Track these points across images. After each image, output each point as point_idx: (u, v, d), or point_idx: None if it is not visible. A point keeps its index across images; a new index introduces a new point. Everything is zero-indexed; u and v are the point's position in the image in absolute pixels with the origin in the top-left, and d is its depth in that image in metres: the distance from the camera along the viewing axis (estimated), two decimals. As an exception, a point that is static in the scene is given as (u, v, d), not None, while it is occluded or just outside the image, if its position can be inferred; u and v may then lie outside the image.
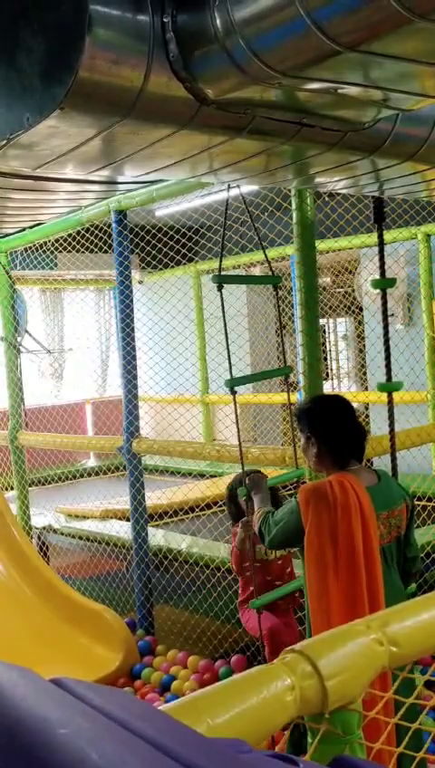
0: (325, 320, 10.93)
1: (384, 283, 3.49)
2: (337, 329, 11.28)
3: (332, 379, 11.09)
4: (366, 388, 8.41)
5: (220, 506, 5.33)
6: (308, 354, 3.57)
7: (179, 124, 1.57)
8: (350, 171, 2.21)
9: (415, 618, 1.40)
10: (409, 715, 1.47)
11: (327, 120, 1.68)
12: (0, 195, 2.32)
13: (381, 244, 3.49)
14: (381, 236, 3.45)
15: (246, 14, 1.30)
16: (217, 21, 1.34)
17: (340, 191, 2.80)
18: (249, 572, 3.14)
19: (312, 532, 2.30)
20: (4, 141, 1.53)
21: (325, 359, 11.11)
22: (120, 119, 1.49)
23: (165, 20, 1.39)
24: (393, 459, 3.53)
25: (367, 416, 7.94)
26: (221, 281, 3.06)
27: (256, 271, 8.16)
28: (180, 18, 1.40)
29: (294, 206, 3.43)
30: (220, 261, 3.17)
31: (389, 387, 3.54)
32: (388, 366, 3.57)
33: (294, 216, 3.47)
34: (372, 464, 6.42)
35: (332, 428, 2.46)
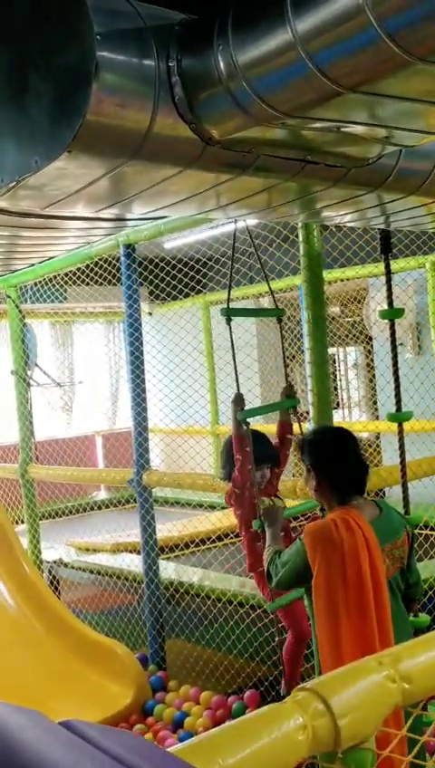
0: (335, 349, 10.95)
1: (392, 314, 3.51)
2: (347, 358, 11.29)
3: (342, 409, 11.07)
4: (377, 418, 8.38)
5: (231, 538, 5.31)
6: (317, 385, 3.58)
7: (186, 164, 1.60)
8: (356, 205, 2.24)
9: (428, 653, 1.39)
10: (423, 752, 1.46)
11: (331, 157, 1.71)
12: (10, 233, 2.35)
13: (389, 274, 3.51)
14: (388, 267, 3.47)
15: (249, 58, 1.33)
16: (221, 64, 1.37)
17: (346, 224, 2.83)
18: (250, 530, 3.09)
19: (320, 575, 2.27)
20: (14, 183, 1.56)
21: (335, 388, 11.12)
22: (127, 159, 1.52)
23: (170, 64, 1.43)
24: (405, 490, 3.51)
25: (378, 445, 7.91)
26: (230, 314, 3.09)
27: (265, 302, 8.20)
28: (185, 62, 1.43)
29: (301, 239, 3.47)
30: (229, 294, 3.19)
31: (399, 417, 3.54)
32: (398, 396, 3.58)
33: (302, 248, 3.50)
34: (383, 494, 6.39)
35: (332, 463, 2.46)
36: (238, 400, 3.13)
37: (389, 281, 3.51)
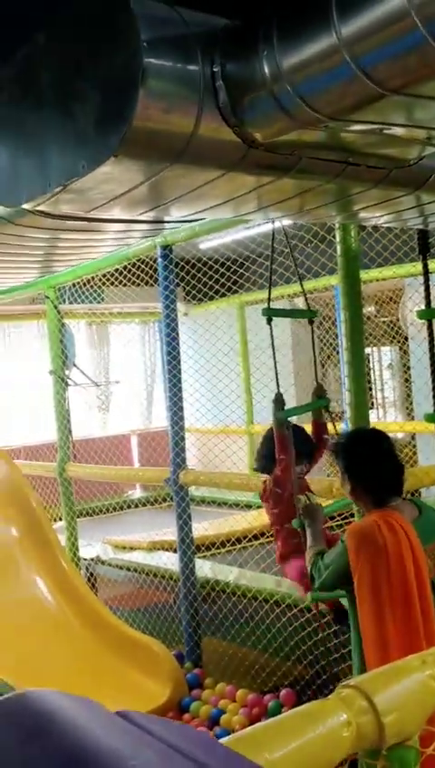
0: (370, 349, 10.89)
1: (430, 314, 3.49)
2: (382, 358, 11.22)
3: (377, 409, 11.01)
4: (412, 418, 8.32)
5: (268, 537, 5.32)
6: (354, 385, 3.58)
7: (228, 167, 1.62)
8: (393, 206, 2.24)
9: (470, 652, 1.39)
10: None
11: (372, 159, 1.72)
12: (50, 236, 2.40)
13: (426, 274, 3.50)
14: (425, 267, 3.46)
15: (294, 62, 1.35)
16: (266, 69, 1.39)
17: (384, 225, 2.83)
18: (286, 525, 3.09)
19: (364, 577, 2.28)
20: (60, 188, 1.60)
21: (370, 388, 11.06)
22: (171, 163, 1.55)
23: (214, 69, 1.45)
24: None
25: (414, 445, 7.85)
26: (271, 314, 3.10)
27: (300, 302, 8.19)
28: (229, 67, 1.45)
29: (338, 239, 3.46)
30: (269, 294, 3.21)
31: (436, 417, 3.52)
32: (435, 396, 3.56)
33: (339, 248, 3.50)
34: (420, 494, 6.34)
35: (366, 467, 2.47)
36: (279, 401, 3.14)
37: (427, 280, 3.50)
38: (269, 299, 3.20)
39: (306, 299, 3.60)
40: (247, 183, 1.76)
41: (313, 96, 1.37)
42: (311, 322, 3.49)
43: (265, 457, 3.25)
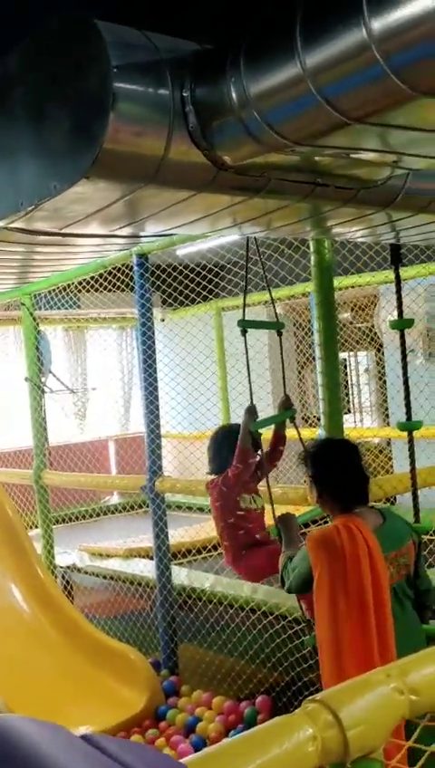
0: (347, 354, 10.97)
1: (402, 324, 3.54)
2: (358, 363, 11.29)
3: (353, 414, 11.07)
4: (388, 424, 8.40)
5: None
6: (327, 393, 3.62)
7: (199, 188, 1.65)
8: (366, 223, 2.28)
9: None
10: (430, 764, 1.49)
11: (341, 180, 1.75)
12: (25, 249, 2.41)
13: (399, 285, 3.55)
14: (398, 278, 3.51)
15: (260, 89, 1.38)
16: (233, 94, 1.42)
17: (358, 239, 2.87)
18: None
19: (322, 580, 2.33)
20: (32, 207, 1.61)
21: (347, 393, 11.13)
22: (143, 184, 1.57)
23: (184, 94, 1.48)
24: (415, 498, 3.54)
25: (390, 451, 7.92)
26: (245, 326, 3.14)
27: (278, 308, 8.24)
28: (199, 92, 1.48)
29: (312, 250, 3.51)
30: (244, 306, 3.23)
31: (409, 426, 3.57)
32: (407, 405, 3.60)
33: (313, 258, 3.54)
34: (394, 501, 6.40)
35: (331, 476, 2.54)
36: (252, 411, 3.18)
37: (399, 291, 3.55)
38: (244, 310, 3.22)
39: (275, 310, 3.63)
40: (220, 202, 1.79)
41: (279, 123, 1.40)
42: (279, 333, 3.52)
43: (216, 458, 3.36)
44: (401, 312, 3.55)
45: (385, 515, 2.58)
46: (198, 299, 7.67)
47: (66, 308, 7.51)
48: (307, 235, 2.78)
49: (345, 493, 2.54)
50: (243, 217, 1.98)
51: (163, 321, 8.91)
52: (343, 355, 11.16)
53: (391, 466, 7.56)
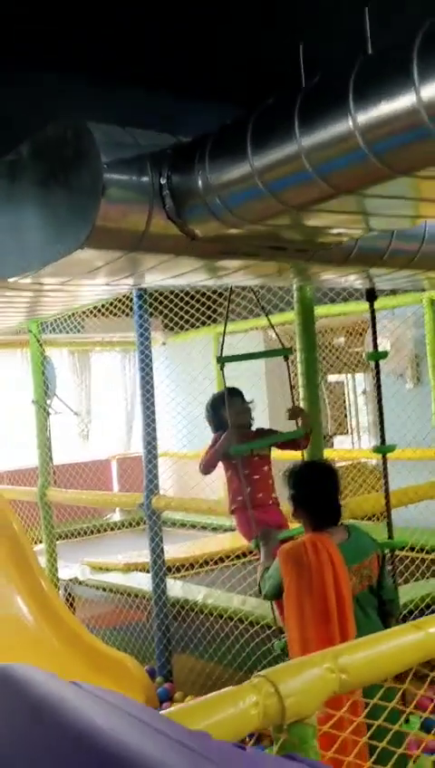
0: (344, 375, 11.26)
1: (377, 356, 3.86)
2: (356, 385, 11.55)
3: (351, 434, 11.33)
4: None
5: (233, 560, 5.64)
6: (309, 417, 3.92)
7: (176, 253, 1.98)
8: (339, 273, 2.61)
9: (364, 652, 1.74)
10: (390, 740, 1.79)
11: (297, 244, 2.07)
12: (34, 295, 2.73)
13: (374, 319, 3.87)
14: (373, 314, 3.83)
15: (220, 181, 1.70)
16: (200, 183, 1.75)
17: (337, 285, 3.21)
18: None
19: (290, 589, 2.65)
20: (41, 266, 1.94)
21: (345, 415, 11.42)
22: (129, 252, 1.90)
23: (162, 181, 1.80)
24: (388, 516, 3.84)
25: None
26: (224, 360, 3.47)
27: (273, 333, 8.57)
28: (174, 179, 1.80)
29: (295, 288, 3.83)
30: (222, 342, 3.56)
31: (383, 449, 3.87)
32: (382, 430, 3.91)
33: (295, 295, 3.87)
34: (382, 518, 6.66)
35: (306, 498, 2.83)
36: (233, 433, 3.52)
37: (374, 326, 3.87)
38: (222, 347, 3.54)
39: (280, 338, 3.92)
40: (197, 262, 2.12)
41: (235, 207, 1.72)
42: (286, 358, 3.83)
43: (212, 422, 3.83)
44: (375, 346, 3.88)
45: (350, 531, 2.88)
46: (198, 324, 8.00)
47: (71, 332, 7.86)
48: (290, 283, 3.12)
49: (317, 514, 2.84)
50: (227, 271, 2.31)
51: (165, 344, 9.24)
52: (340, 378, 11.48)
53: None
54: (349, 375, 11.27)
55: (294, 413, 3.73)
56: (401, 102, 1.31)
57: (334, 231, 1.92)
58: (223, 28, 2.40)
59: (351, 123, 1.39)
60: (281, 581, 2.71)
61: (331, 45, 2.37)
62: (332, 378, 11.10)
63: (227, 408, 3.61)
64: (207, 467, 3.70)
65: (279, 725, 1.55)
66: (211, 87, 2.41)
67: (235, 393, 3.74)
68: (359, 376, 11.35)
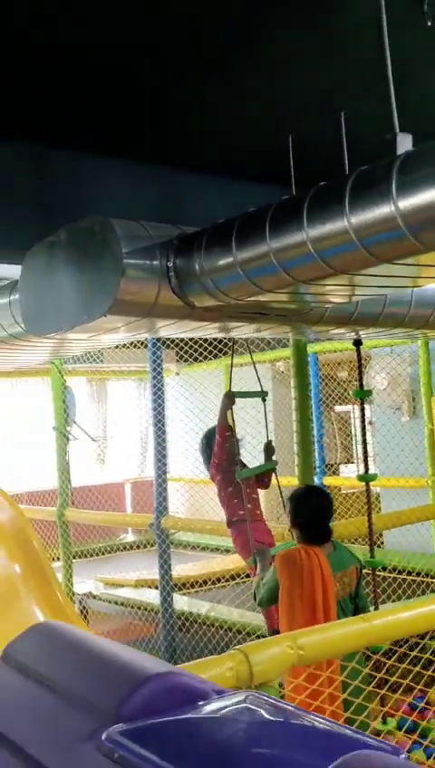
0: (350, 406, 11.71)
1: (362, 394, 4.35)
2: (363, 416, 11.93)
3: (356, 464, 11.75)
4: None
5: (238, 578, 6.10)
6: (301, 449, 4.42)
7: (180, 318, 2.49)
8: (327, 328, 3.14)
9: (319, 635, 2.22)
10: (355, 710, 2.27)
11: (277, 311, 2.58)
12: (59, 341, 3.23)
13: (360, 361, 4.36)
14: (359, 356, 4.31)
15: (211, 267, 2.21)
16: (197, 267, 2.26)
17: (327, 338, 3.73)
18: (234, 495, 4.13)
19: (284, 589, 3.12)
20: (71, 328, 2.46)
21: (350, 444, 11.86)
22: (142, 317, 2.41)
23: (169, 264, 2.31)
24: (371, 537, 4.29)
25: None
26: (236, 396, 4.00)
27: (280, 365, 9.09)
28: (178, 262, 2.31)
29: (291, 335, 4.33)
30: (229, 378, 4.07)
31: (366, 477, 4.34)
32: (365, 460, 4.38)
33: (291, 340, 4.38)
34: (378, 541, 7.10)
35: (301, 515, 3.31)
36: (229, 396, 4.23)
37: (360, 368, 4.36)
38: (230, 382, 4.05)
39: (260, 382, 4.43)
40: (200, 324, 2.64)
41: (224, 288, 2.22)
42: (263, 400, 4.35)
43: (204, 453, 4.49)
44: (361, 384, 4.36)
45: (336, 546, 3.38)
46: (210, 356, 8.53)
47: (91, 363, 8.40)
48: (287, 336, 3.66)
49: (309, 533, 3.33)
50: (222, 329, 2.86)
51: (178, 374, 9.77)
52: (347, 408, 11.94)
53: (380, 509, 8.26)
54: (355, 406, 11.68)
55: (267, 447, 4.31)
56: (383, 210, 1.76)
57: (305, 304, 2.43)
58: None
59: (304, 235, 1.90)
60: (275, 587, 3.18)
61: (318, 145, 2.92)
62: (340, 408, 11.54)
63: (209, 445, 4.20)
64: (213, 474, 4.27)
65: (248, 686, 2.03)
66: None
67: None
68: (366, 407, 11.78)
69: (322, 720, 1.11)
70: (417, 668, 2.44)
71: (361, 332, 3.68)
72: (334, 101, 2.98)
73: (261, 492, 4.49)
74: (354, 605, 3.36)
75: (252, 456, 4.77)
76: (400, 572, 6.04)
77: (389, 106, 2.04)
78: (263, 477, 4.35)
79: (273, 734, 1.06)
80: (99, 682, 1.26)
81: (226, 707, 1.15)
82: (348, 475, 11.08)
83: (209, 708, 1.15)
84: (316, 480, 8.05)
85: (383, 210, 1.73)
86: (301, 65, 2.66)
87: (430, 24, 2.26)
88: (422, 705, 3.93)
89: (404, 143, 1.91)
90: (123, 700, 1.16)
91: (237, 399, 4.30)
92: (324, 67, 2.71)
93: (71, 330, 2.44)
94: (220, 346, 8.00)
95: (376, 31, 2.10)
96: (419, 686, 2.38)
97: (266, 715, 1.11)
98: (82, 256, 2.38)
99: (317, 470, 8.30)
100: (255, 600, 3.50)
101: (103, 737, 1.10)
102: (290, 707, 1.15)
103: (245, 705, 1.14)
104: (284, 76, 2.72)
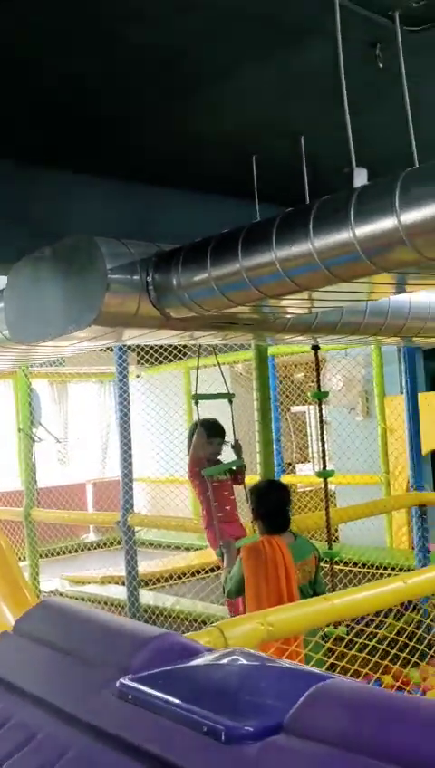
0: (306, 407, 12.03)
1: (320, 395, 4.63)
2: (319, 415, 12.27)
3: (312, 462, 12.08)
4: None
5: (201, 574, 6.34)
6: (263, 448, 4.68)
7: (158, 327, 2.72)
8: (289, 336, 3.40)
9: (286, 614, 2.47)
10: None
11: (244, 321, 2.83)
12: (25, 349, 3.43)
13: (318, 365, 4.64)
14: (317, 361, 4.60)
15: (187, 282, 2.45)
16: (174, 282, 2.49)
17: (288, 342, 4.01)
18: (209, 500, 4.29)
19: (250, 578, 3.37)
20: (56, 338, 2.66)
21: (305, 444, 12.20)
22: (124, 327, 2.64)
23: (148, 279, 2.54)
24: (329, 531, 4.57)
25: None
26: (199, 398, 4.22)
27: (239, 367, 9.36)
28: (156, 278, 2.54)
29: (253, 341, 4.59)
30: (196, 382, 4.30)
31: (324, 474, 4.62)
32: (323, 457, 4.66)
33: (253, 345, 4.64)
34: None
35: (265, 507, 3.57)
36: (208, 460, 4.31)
37: (318, 371, 4.64)
38: (197, 385, 4.28)
39: (227, 385, 4.66)
40: (175, 332, 2.87)
41: (198, 300, 2.46)
42: (230, 402, 4.59)
43: (189, 446, 4.55)
44: (319, 386, 4.65)
45: (296, 536, 3.64)
46: (170, 359, 8.75)
47: (54, 366, 8.56)
48: (249, 342, 3.91)
49: (271, 523, 3.59)
50: (189, 338, 3.10)
51: (138, 377, 9.97)
52: (303, 408, 12.28)
53: (336, 506, 8.57)
54: (310, 406, 12.01)
55: (236, 447, 4.52)
56: (342, 236, 2.02)
57: (270, 314, 2.69)
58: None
59: (273, 256, 2.15)
60: (242, 579, 3.42)
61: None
62: (296, 408, 11.85)
63: (196, 437, 4.36)
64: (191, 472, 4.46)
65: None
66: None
67: (217, 429, 4.47)
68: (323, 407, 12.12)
69: (295, 665, 1.36)
70: (371, 644, 2.72)
71: (319, 339, 3.96)
72: (295, 126, 3.26)
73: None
74: (313, 591, 3.62)
75: (226, 456, 4.98)
76: (355, 565, 6.35)
77: (346, 142, 2.29)
78: (237, 475, 4.56)
79: (259, 674, 1.30)
80: (109, 644, 1.49)
81: (218, 659, 1.39)
82: (305, 473, 11.43)
83: (204, 660, 1.39)
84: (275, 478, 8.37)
85: (343, 236, 1.99)
86: (264, 93, 2.90)
87: (381, 66, 2.53)
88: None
89: (360, 176, 2.17)
90: (132, 655, 1.39)
91: (204, 401, 4.52)
92: (286, 96, 2.95)
93: (57, 338, 2.64)
94: (180, 348, 8.23)
95: (332, 69, 2.36)
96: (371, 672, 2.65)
97: (251, 662, 1.35)
98: (69, 271, 2.59)
99: (277, 468, 8.59)
100: (223, 592, 3.74)
101: (117, 684, 1.33)
102: (270, 658, 1.40)
103: (234, 656, 1.38)
104: (249, 102, 2.96)
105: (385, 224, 1.87)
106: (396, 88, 2.43)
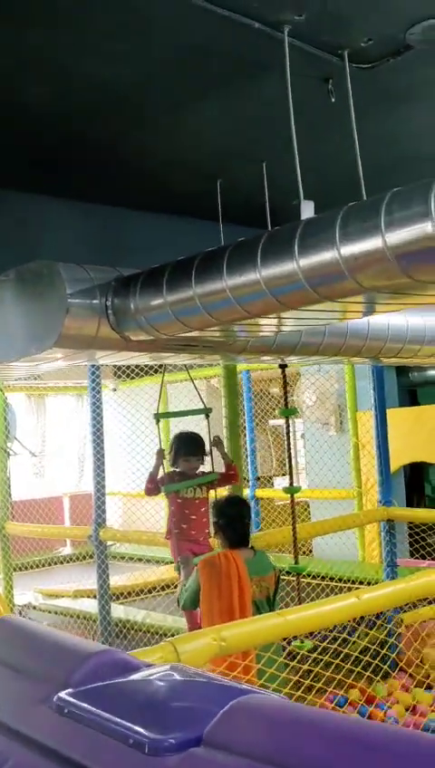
0: (282, 421, 12.12)
1: (288, 412, 4.72)
2: (295, 429, 12.38)
3: (290, 476, 12.13)
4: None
5: (171, 588, 6.39)
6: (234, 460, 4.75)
7: (118, 349, 2.81)
8: (256, 356, 3.49)
9: (239, 629, 2.54)
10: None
11: (204, 343, 2.91)
12: (4, 367, 3.50)
13: (285, 382, 4.73)
14: (284, 378, 4.68)
15: (145, 306, 2.53)
16: (132, 306, 2.58)
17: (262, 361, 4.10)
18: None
19: (205, 591, 3.45)
20: (20, 359, 2.74)
21: (281, 457, 12.28)
22: (85, 349, 2.72)
23: (107, 303, 2.62)
24: (295, 546, 4.64)
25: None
26: (160, 417, 4.28)
27: (214, 381, 9.44)
28: (115, 302, 2.63)
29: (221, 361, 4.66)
30: (159, 400, 4.38)
31: (291, 490, 4.70)
32: (290, 473, 4.74)
33: (222, 363, 4.72)
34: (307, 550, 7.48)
35: (225, 523, 3.65)
36: (160, 454, 4.36)
37: (285, 387, 4.73)
38: (159, 404, 4.36)
39: (202, 400, 4.73)
40: (139, 353, 2.97)
41: (155, 325, 2.55)
42: (207, 416, 4.64)
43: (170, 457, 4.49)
44: (286, 403, 4.73)
45: (256, 552, 3.72)
46: (147, 372, 8.81)
47: (29, 379, 8.60)
48: (217, 362, 3.99)
49: (232, 537, 3.67)
50: (156, 358, 3.19)
51: (115, 390, 10.02)
52: (279, 422, 12.38)
53: (309, 519, 8.66)
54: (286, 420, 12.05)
55: (215, 442, 4.52)
56: (287, 266, 2.11)
57: (228, 337, 2.78)
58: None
59: (224, 283, 2.24)
60: (197, 590, 3.50)
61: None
62: (273, 422, 11.94)
63: (174, 451, 4.41)
64: (148, 490, 4.45)
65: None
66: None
67: (198, 443, 4.49)
68: (298, 421, 12.24)
69: (224, 680, 1.44)
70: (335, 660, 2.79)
71: (284, 358, 4.05)
72: (258, 153, 3.37)
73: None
74: (271, 607, 3.69)
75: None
76: (325, 578, 6.43)
77: (297, 172, 2.39)
78: (215, 483, 4.58)
79: (187, 688, 1.38)
80: (54, 660, 1.56)
81: (153, 674, 1.46)
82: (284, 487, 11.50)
83: (140, 675, 1.46)
84: (249, 492, 8.44)
85: (287, 266, 2.08)
86: (227, 122, 3.00)
87: (333, 99, 2.64)
88: (346, 706, 4.31)
89: (307, 209, 2.27)
90: (73, 671, 1.46)
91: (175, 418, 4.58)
92: (248, 125, 3.05)
93: (19, 359, 2.72)
94: (156, 364, 8.29)
95: (287, 102, 2.46)
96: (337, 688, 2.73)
97: (183, 678, 1.42)
98: (31, 295, 2.67)
99: (250, 482, 8.68)
100: (178, 604, 3.84)
101: (54, 699, 1.40)
102: (202, 673, 1.47)
103: (168, 672, 1.46)
104: (213, 130, 3.06)
105: (326, 256, 1.97)
106: (347, 120, 2.54)
